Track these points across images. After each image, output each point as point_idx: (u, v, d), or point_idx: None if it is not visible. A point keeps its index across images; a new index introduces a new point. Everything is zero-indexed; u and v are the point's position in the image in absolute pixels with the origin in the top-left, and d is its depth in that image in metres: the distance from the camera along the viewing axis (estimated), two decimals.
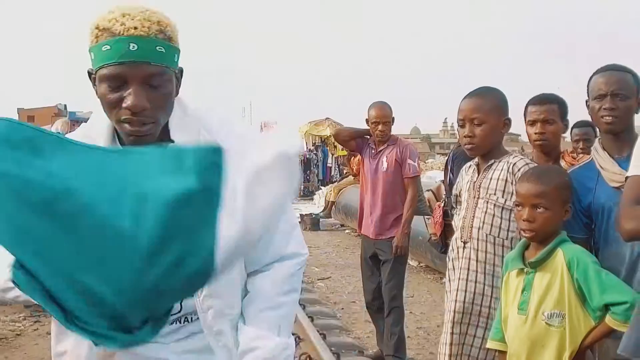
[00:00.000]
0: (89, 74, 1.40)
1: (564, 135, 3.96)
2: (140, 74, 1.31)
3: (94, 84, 1.39)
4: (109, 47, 1.30)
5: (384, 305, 4.53)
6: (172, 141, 1.42)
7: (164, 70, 1.35)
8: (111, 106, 1.34)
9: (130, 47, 1.30)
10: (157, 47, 1.32)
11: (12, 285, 1.27)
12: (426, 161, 23.14)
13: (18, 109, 32.24)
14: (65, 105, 28.63)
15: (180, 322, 1.48)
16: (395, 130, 4.69)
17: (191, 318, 1.48)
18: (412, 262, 7.83)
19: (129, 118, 1.33)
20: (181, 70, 1.42)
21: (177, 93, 1.41)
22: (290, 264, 1.54)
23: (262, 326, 1.47)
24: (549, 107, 2.92)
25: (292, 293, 1.54)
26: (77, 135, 1.46)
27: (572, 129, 4.73)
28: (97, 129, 1.45)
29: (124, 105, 1.32)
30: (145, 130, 1.34)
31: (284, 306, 1.51)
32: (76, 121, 16.24)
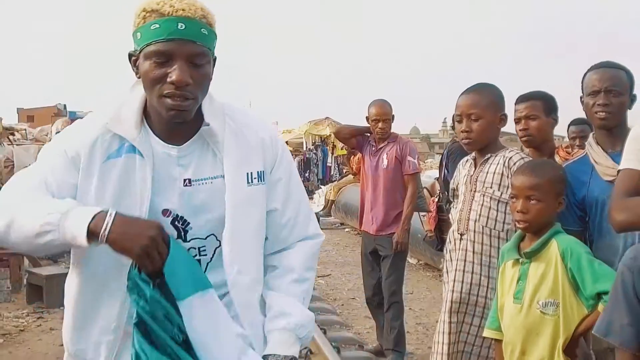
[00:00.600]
0: (130, 55, 1.49)
1: (562, 135, 3.99)
2: (186, 51, 1.42)
3: (133, 66, 1.49)
4: (158, 25, 1.41)
5: (384, 300, 4.58)
6: (207, 124, 1.52)
7: (206, 52, 1.45)
8: (155, 82, 1.43)
9: (179, 26, 1.40)
10: (202, 29, 1.43)
11: (48, 229, 1.35)
12: (425, 161, 23.07)
13: (18, 109, 32.20)
14: (65, 105, 28.54)
15: None
16: (394, 129, 4.72)
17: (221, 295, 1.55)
18: (411, 260, 7.86)
19: (172, 92, 1.42)
20: (215, 58, 1.51)
21: (211, 78, 1.50)
22: (312, 243, 1.70)
23: (291, 296, 1.62)
24: (532, 103, 2.96)
25: (313, 270, 1.70)
26: (107, 114, 1.52)
27: (568, 126, 4.80)
28: (125, 112, 1.52)
29: (168, 79, 1.41)
30: (186, 105, 1.43)
31: (307, 281, 1.67)
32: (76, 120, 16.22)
